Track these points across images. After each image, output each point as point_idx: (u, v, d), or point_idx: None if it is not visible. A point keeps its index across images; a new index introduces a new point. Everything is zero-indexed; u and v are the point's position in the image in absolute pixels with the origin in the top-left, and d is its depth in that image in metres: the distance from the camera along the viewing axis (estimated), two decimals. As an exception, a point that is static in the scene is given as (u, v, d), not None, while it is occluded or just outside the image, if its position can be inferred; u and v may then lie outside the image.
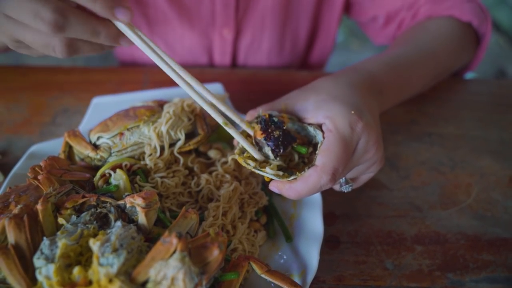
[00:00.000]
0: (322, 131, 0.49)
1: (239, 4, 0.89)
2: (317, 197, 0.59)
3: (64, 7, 0.44)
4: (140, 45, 0.48)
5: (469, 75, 0.94)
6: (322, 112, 0.50)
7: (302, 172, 0.47)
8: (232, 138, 0.56)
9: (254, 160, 0.50)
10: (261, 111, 0.53)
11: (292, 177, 0.48)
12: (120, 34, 0.48)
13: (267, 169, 0.48)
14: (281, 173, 0.49)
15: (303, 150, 0.50)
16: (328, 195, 0.65)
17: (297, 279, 0.50)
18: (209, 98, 0.50)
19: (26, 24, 0.45)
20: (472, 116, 0.82)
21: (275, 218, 0.58)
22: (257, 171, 0.49)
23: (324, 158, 0.47)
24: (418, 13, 0.86)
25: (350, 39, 2.95)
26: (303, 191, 0.48)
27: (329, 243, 0.60)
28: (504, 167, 0.72)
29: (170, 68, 0.48)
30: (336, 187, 0.56)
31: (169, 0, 0.88)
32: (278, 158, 0.50)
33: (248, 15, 0.92)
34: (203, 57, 0.98)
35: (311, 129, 0.51)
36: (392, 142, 0.76)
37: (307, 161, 0.52)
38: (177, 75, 0.48)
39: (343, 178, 0.54)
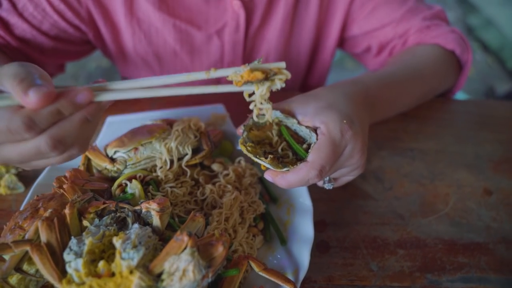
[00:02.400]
0: (316, 133, 0.56)
1: (246, 43, 0.96)
2: (309, 205, 0.65)
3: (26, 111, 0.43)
4: (123, 96, 0.47)
5: (459, 95, 1.01)
6: (319, 117, 0.56)
7: (295, 166, 0.54)
8: (231, 153, 0.63)
9: (255, 151, 0.56)
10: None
11: (285, 169, 0.54)
12: (99, 107, 0.47)
13: (266, 161, 0.54)
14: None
15: (302, 152, 0.56)
16: (319, 205, 0.71)
17: (290, 276, 0.56)
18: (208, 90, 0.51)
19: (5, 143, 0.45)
20: (450, 133, 0.89)
21: (271, 224, 0.64)
22: (256, 159, 0.55)
23: (315, 156, 0.54)
24: (407, 40, 0.94)
25: (345, 59, 3.07)
26: (293, 181, 0.54)
27: (320, 248, 0.65)
28: (478, 179, 0.79)
29: (161, 89, 0.48)
30: (320, 183, 0.62)
31: (181, 42, 0.93)
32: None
33: (254, 53, 0.99)
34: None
35: (307, 131, 0.57)
36: (377, 156, 0.83)
37: (299, 158, 0.58)
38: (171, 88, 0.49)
39: (327, 176, 0.60)
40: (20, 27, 0.82)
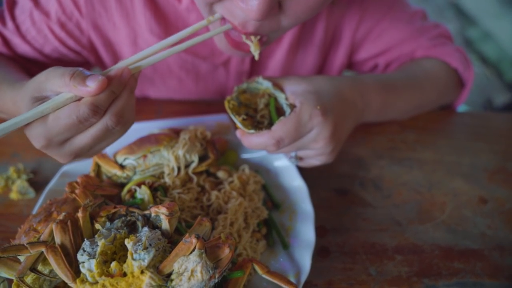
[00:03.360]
0: (292, 110, 0.61)
1: (252, 73, 0.96)
2: (310, 212, 0.67)
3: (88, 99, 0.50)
4: (148, 62, 0.55)
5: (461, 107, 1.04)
6: (300, 98, 0.62)
7: (260, 131, 0.60)
8: (236, 162, 0.67)
9: (235, 109, 0.63)
10: (261, 77, 0.66)
11: (252, 131, 0.61)
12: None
13: (238, 119, 0.62)
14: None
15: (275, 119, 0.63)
16: (320, 211, 0.73)
17: (292, 279, 0.58)
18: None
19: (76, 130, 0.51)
20: (447, 143, 0.91)
21: (273, 229, 0.66)
22: (231, 116, 0.63)
23: (277, 127, 0.60)
24: (414, 57, 0.95)
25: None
26: (253, 143, 0.61)
27: (321, 253, 0.67)
28: (474, 188, 0.81)
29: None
30: (287, 157, 0.69)
31: (186, 70, 0.94)
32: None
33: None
34: None
35: (286, 106, 0.63)
36: (376, 165, 0.85)
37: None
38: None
39: (294, 152, 0.66)
40: (22, 47, 0.84)
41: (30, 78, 0.57)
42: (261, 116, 0.65)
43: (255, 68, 0.97)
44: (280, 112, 0.64)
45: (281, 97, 0.64)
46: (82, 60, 0.94)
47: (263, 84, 0.65)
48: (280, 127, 0.60)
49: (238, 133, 0.64)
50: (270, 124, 0.63)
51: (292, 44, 0.92)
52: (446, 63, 0.92)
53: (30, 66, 0.89)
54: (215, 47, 0.89)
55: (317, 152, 0.65)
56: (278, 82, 0.65)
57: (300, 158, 0.69)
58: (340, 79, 0.69)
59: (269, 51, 0.94)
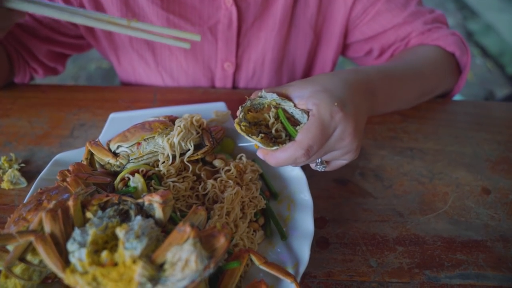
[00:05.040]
0: (308, 115, 0.57)
1: (239, 41, 0.98)
2: (309, 201, 0.65)
3: None
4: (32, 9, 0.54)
5: (456, 97, 1.03)
6: (312, 100, 0.57)
7: (283, 145, 0.56)
8: (233, 151, 0.64)
9: (248, 130, 0.58)
10: (264, 91, 0.61)
11: (275, 147, 0.56)
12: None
13: (257, 139, 0.57)
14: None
15: (294, 132, 0.58)
16: (320, 202, 0.72)
17: (290, 270, 0.57)
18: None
19: None
20: (449, 133, 0.90)
21: (271, 219, 0.65)
22: (248, 138, 0.57)
23: (302, 135, 0.55)
24: (409, 43, 0.95)
25: (346, 63, 3.08)
26: (281, 159, 0.56)
27: (320, 244, 0.66)
28: (477, 178, 0.80)
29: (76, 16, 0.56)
30: (312, 166, 0.63)
31: (175, 37, 0.95)
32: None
33: (249, 52, 1.00)
34: (205, 86, 1.06)
35: (301, 113, 0.59)
36: (377, 156, 0.84)
37: (291, 139, 0.59)
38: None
39: (319, 158, 0.61)
40: None
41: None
42: (275, 130, 0.60)
43: (243, 35, 0.97)
44: (292, 121, 0.60)
45: (289, 105, 0.60)
46: (73, 29, 0.98)
47: (267, 97, 0.61)
48: (306, 135, 0.55)
49: (260, 154, 0.59)
50: (289, 136, 0.59)
51: (285, 14, 0.94)
52: (442, 49, 0.91)
53: (20, 33, 0.91)
54: (203, 11, 0.93)
55: (344, 151, 0.60)
56: (282, 91, 0.61)
57: (326, 162, 0.64)
58: (343, 72, 0.66)
59: (258, 18, 0.95)
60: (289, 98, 0.60)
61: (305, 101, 0.58)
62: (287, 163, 0.56)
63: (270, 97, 0.61)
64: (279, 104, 0.61)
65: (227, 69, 1.01)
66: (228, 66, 1.01)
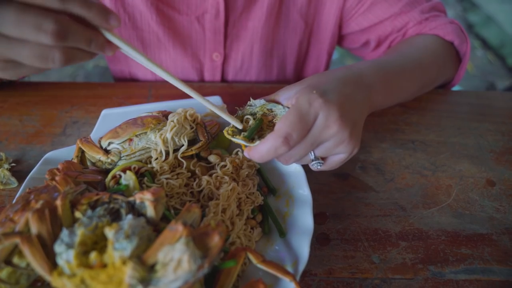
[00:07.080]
0: None
1: (227, 32, 0.97)
2: (308, 197, 0.63)
3: (63, 17, 0.44)
4: (128, 51, 0.50)
5: (455, 88, 1.01)
6: (296, 96, 0.57)
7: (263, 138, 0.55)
8: (229, 146, 0.62)
9: (236, 133, 0.60)
10: (252, 99, 0.62)
11: (256, 143, 0.56)
12: (107, 42, 0.49)
13: (239, 138, 0.58)
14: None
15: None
16: (319, 197, 0.70)
17: (290, 269, 0.55)
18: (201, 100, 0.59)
19: (25, 40, 0.44)
20: (452, 125, 0.88)
21: (269, 216, 0.63)
22: (233, 139, 0.58)
23: (279, 124, 0.53)
24: (406, 33, 0.94)
25: (345, 58, 3.06)
26: (263, 151, 0.54)
27: (320, 240, 0.64)
28: (481, 170, 0.78)
29: (153, 65, 0.53)
30: (308, 162, 0.61)
31: (163, 26, 0.95)
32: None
33: (237, 42, 0.99)
34: (194, 78, 1.05)
35: (284, 109, 0.60)
36: (378, 148, 0.81)
37: None
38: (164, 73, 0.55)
39: (312, 154, 0.58)
40: None
41: None
42: (267, 126, 0.61)
43: (231, 25, 0.97)
44: None
45: (278, 108, 0.61)
46: None
47: (256, 103, 0.62)
48: (283, 123, 0.53)
49: (246, 153, 0.58)
50: None
51: (271, 6, 0.93)
52: (441, 38, 0.89)
53: None
54: (190, 1, 0.92)
55: (335, 141, 0.56)
56: (271, 97, 0.62)
57: (322, 159, 0.61)
58: (334, 70, 0.64)
59: (246, 8, 0.95)
60: (278, 102, 0.61)
61: (291, 100, 0.58)
62: (270, 155, 0.54)
63: (258, 103, 0.62)
64: (269, 109, 0.62)
65: (215, 60, 1.01)
66: (216, 57, 1.00)
